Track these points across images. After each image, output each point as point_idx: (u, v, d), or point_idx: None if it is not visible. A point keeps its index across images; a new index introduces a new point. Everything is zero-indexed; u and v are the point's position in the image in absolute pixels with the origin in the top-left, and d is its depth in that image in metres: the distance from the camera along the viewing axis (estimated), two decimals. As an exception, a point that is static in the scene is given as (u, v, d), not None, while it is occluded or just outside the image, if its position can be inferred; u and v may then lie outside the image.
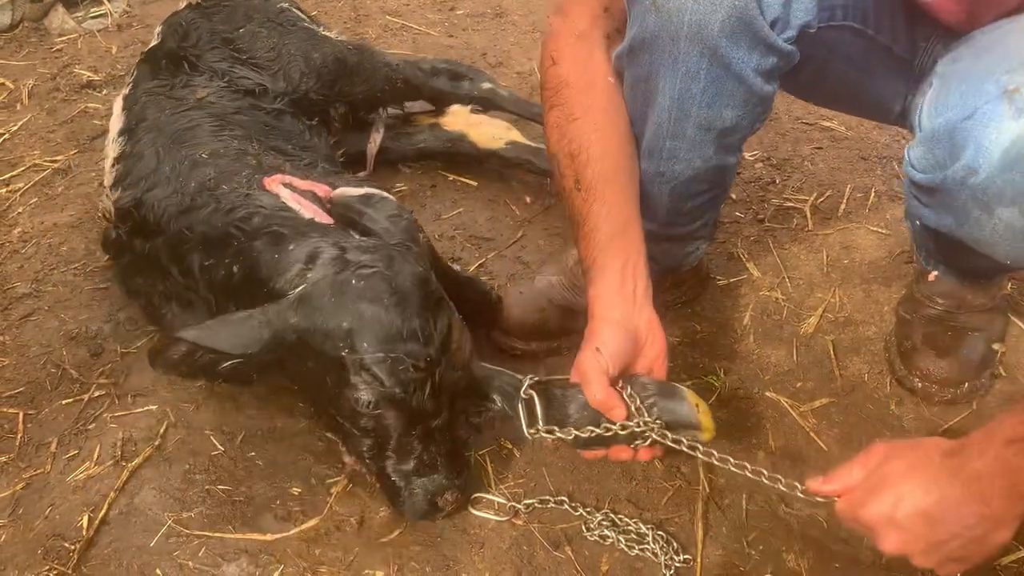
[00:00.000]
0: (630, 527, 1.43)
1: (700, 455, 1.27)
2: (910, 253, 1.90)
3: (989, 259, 1.34)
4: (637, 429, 1.27)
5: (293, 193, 1.59)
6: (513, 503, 1.47)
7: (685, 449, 1.27)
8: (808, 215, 2.12)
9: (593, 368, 1.26)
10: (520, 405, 1.33)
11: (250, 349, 1.29)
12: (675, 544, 1.41)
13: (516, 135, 2.28)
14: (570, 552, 1.40)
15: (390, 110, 2.30)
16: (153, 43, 2.08)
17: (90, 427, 1.63)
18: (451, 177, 2.31)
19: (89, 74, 2.79)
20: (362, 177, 2.23)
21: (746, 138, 1.51)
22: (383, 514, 1.46)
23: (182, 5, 2.18)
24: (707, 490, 1.49)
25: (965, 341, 1.64)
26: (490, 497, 1.48)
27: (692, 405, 1.31)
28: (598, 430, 1.28)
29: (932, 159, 1.24)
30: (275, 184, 1.60)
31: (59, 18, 3.06)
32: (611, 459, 1.35)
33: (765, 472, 1.24)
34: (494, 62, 2.82)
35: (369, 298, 1.30)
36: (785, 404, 1.65)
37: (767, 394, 1.67)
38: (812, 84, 1.57)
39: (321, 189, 1.62)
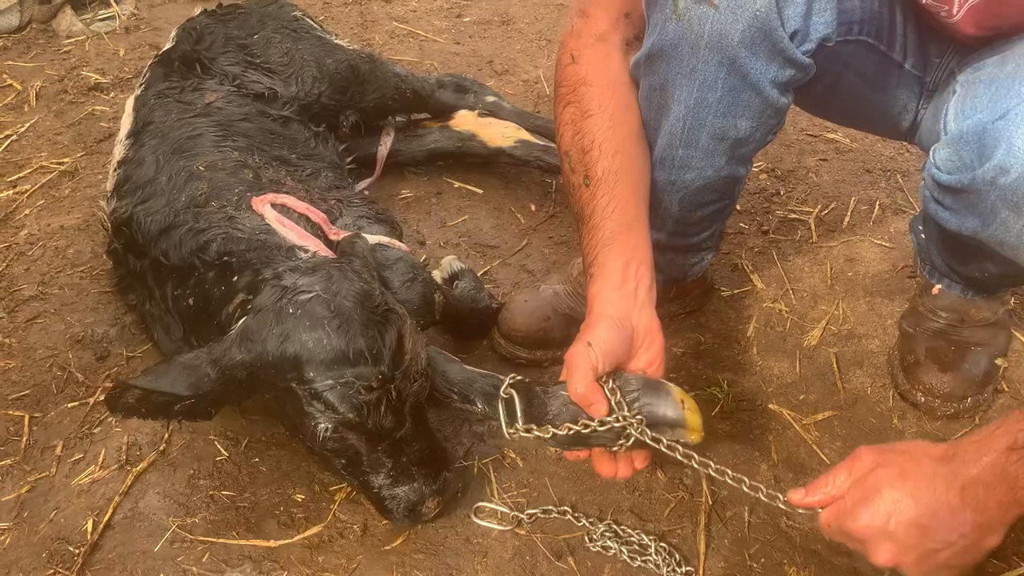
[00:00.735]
0: (633, 538, 1.43)
1: (679, 455, 1.22)
2: (913, 267, 1.91)
3: (997, 268, 1.35)
4: (616, 424, 1.22)
5: (279, 215, 1.59)
6: (516, 513, 1.47)
7: (664, 449, 1.22)
8: (812, 227, 2.12)
9: (581, 362, 1.23)
10: (500, 404, 1.29)
11: (201, 389, 1.28)
12: (677, 556, 1.41)
13: (525, 134, 2.29)
14: (572, 563, 1.41)
15: (398, 118, 2.31)
16: (167, 46, 2.09)
17: (95, 431, 1.64)
18: (456, 184, 2.32)
19: (97, 76, 2.80)
20: (369, 183, 2.24)
21: (758, 150, 1.51)
22: (386, 522, 1.47)
23: (190, 8, 2.20)
24: (709, 502, 1.50)
25: (968, 356, 1.65)
26: (493, 506, 1.49)
27: (678, 402, 1.26)
28: (576, 427, 1.25)
29: (959, 160, 1.24)
30: (262, 204, 1.60)
31: (67, 20, 3.08)
32: (596, 469, 1.32)
33: (746, 480, 1.23)
34: (500, 70, 2.83)
35: (309, 325, 1.27)
36: (788, 416, 1.65)
37: (770, 406, 1.67)
38: (824, 99, 1.57)
39: (317, 216, 1.63)
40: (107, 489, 1.53)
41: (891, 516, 1.05)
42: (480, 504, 1.49)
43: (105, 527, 1.47)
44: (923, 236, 1.61)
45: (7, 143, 2.49)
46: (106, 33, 3.09)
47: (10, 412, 1.68)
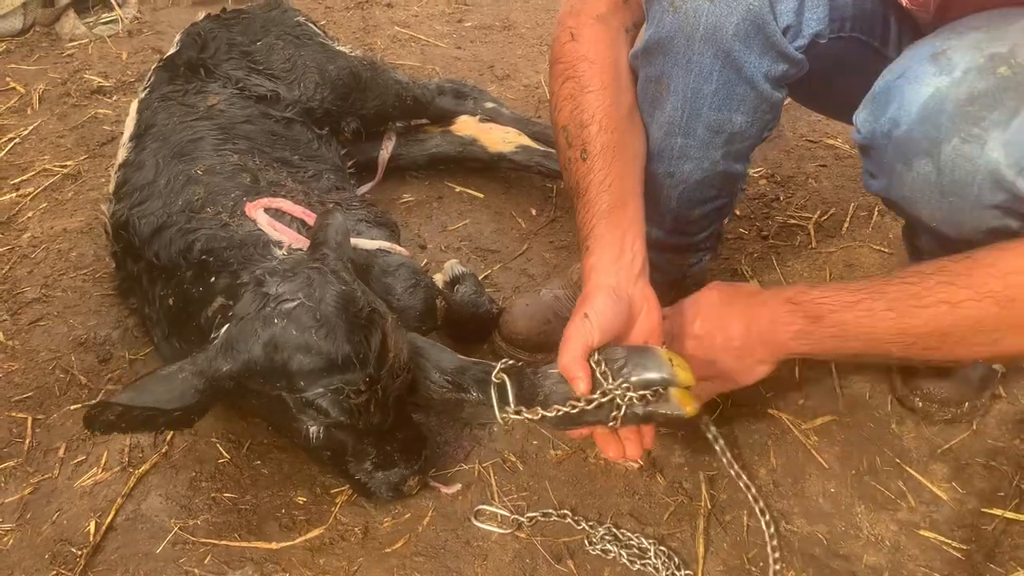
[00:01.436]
0: (632, 541, 1.44)
1: (670, 414, 1.22)
2: (912, 273, 1.92)
3: (930, 243, 1.43)
4: (603, 400, 1.21)
5: (271, 220, 1.59)
6: (516, 516, 1.48)
7: (654, 410, 1.22)
8: (811, 232, 2.14)
9: (575, 335, 1.23)
10: (492, 390, 1.29)
11: (186, 401, 1.27)
12: (677, 559, 1.42)
13: (526, 140, 2.30)
14: (572, 566, 1.42)
15: (399, 123, 2.33)
16: (171, 51, 2.10)
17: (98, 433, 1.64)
18: (458, 189, 2.33)
19: (99, 80, 2.81)
20: (370, 187, 2.25)
21: (754, 146, 1.53)
22: (387, 524, 1.48)
23: (193, 12, 2.21)
24: (709, 506, 1.50)
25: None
26: (493, 509, 1.50)
27: (665, 361, 1.23)
28: (564, 408, 1.23)
29: (870, 118, 1.29)
30: (256, 209, 1.61)
31: (70, 23, 3.09)
32: (603, 453, 1.33)
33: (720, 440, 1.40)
34: (501, 74, 2.84)
35: (296, 335, 1.27)
36: (787, 421, 1.66)
37: (770, 411, 1.68)
38: (820, 94, 1.60)
39: (312, 219, 1.64)
40: (109, 491, 1.54)
41: (690, 319, 1.38)
42: (480, 507, 1.50)
43: (107, 529, 1.48)
44: (914, 242, 1.63)
45: (10, 146, 2.50)
46: (109, 36, 3.10)
47: (13, 414, 1.68)
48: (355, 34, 3.11)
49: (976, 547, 1.45)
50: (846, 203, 2.23)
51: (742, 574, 1.41)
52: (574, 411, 1.23)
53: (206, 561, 1.42)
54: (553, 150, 2.18)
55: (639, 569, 1.41)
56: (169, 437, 1.63)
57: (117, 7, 3.21)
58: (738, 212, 2.20)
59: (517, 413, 1.26)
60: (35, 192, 2.32)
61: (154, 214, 1.63)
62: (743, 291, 1.40)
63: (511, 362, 1.31)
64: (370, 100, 2.15)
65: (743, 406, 1.69)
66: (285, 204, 1.63)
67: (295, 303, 1.29)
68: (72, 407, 1.70)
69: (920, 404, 1.66)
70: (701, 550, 1.43)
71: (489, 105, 2.43)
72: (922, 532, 1.47)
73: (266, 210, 1.60)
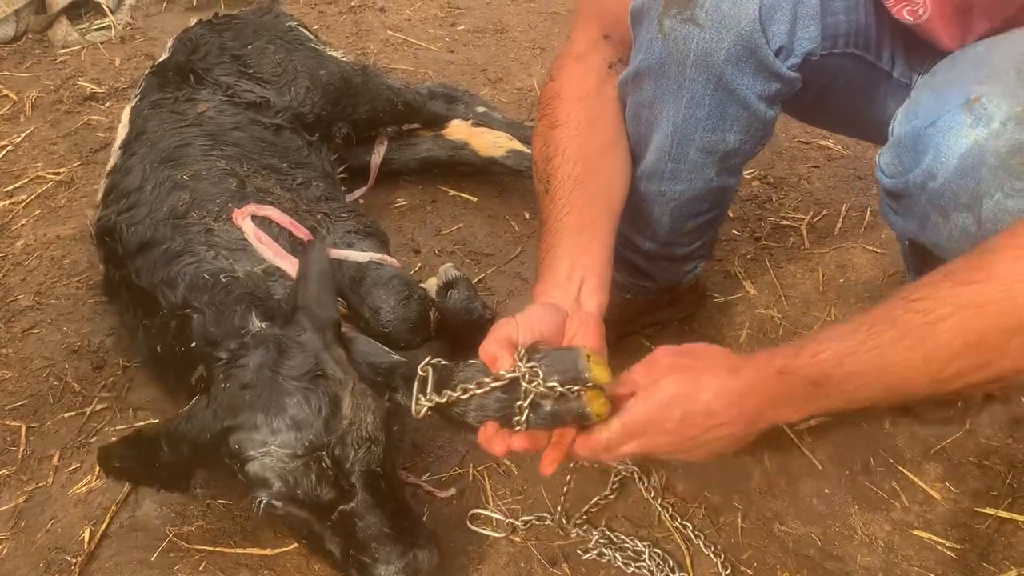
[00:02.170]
0: (627, 544, 1.44)
1: (571, 400, 1.13)
2: (904, 273, 1.92)
3: None
4: (509, 375, 1.14)
5: (257, 229, 1.59)
6: (511, 520, 1.48)
7: (558, 389, 1.12)
8: (804, 234, 2.14)
9: (499, 327, 1.18)
10: (416, 383, 1.23)
11: (157, 461, 1.32)
12: (671, 562, 1.42)
13: (517, 144, 2.30)
14: (567, 569, 1.42)
15: (390, 128, 2.33)
16: (163, 57, 2.11)
17: (92, 440, 1.65)
18: (451, 192, 2.33)
19: (92, 86, 2.81)
20: (363, 192, 2.25)
21: (747, 160, 1.53)
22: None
23: (185, 18, 2.21)
24: (703, 509, 1.51)
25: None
26: (488, 514, 1.50)
27: (582, 355, 1.15)
28: (471, 387, 1.17)
29: (899, 164, 1.27)
30: (242, 217, 1.61)
31: (63, 30, 3.09)
32: (492, 450, 1.20)
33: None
34: (494, 78, 2.84)
35: (235, 399, 1.26)
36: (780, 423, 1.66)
37: (763, 412, 1.68)
38: (814, 108, 1.59)
39: (300, 231, 1.64)
40: (104, 498, 1.54)
41: (672, 406, 1.10)
42: (475, 511, 1.50)
43: (102, 536, 1.48)
44: (907, 243, 1.63)
45: (3, 153, 2.50)
46: (101, 43, 3.10)
47: (7, 422, 1.68)
48: (348, 38, 3.11)
49: (970, 547, 1.45)
50: (838, 204, 2.24)
51: (736, 574, 1.41)
52: (480, 390, 1.17)
53: (201, 568, 1.43)
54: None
55: (634, 572, 1.41)
56: (163, 444, 1.63)
57: (110, 13, 3.21)
58: (731, 214, 2.20)
59: (429, 400, 1.20)
60: (28, 199, 2.31)
61: (141, 222, 1.63)
62: (715, 370, 1.12)
63: (437, 359, 1.25)
64: (361, 105, 2.15)
65: (737, 408, 1.69)
66: (273, 213, 1.63)
67: (243, 369, 1.29)
68: (66, 415, 1.70)
69: (913, 404, 1.66)
70: (688, 560, 1.44)
71: (480, 109, 2.43)
72: (916, 532, 1.48)
73: (253, 218, 1.60)
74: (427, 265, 2.08)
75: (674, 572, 1.40)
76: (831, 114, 1.61)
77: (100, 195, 1.80)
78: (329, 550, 1.30)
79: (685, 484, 1.55)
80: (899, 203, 1.32)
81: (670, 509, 1.50)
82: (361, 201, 2.23)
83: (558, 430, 1.17)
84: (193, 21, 2.21)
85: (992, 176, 1.13)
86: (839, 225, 2.17)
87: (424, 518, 1.42)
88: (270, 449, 1.23)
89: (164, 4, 3.37)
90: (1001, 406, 1.69)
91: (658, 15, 1.30)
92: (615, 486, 1.54)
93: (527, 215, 2.24)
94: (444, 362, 1.24)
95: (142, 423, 1.66)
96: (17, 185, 2.37)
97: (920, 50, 1.47)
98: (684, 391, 1.10)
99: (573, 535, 1.46)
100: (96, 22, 3.21)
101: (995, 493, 1.54)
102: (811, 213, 2.21)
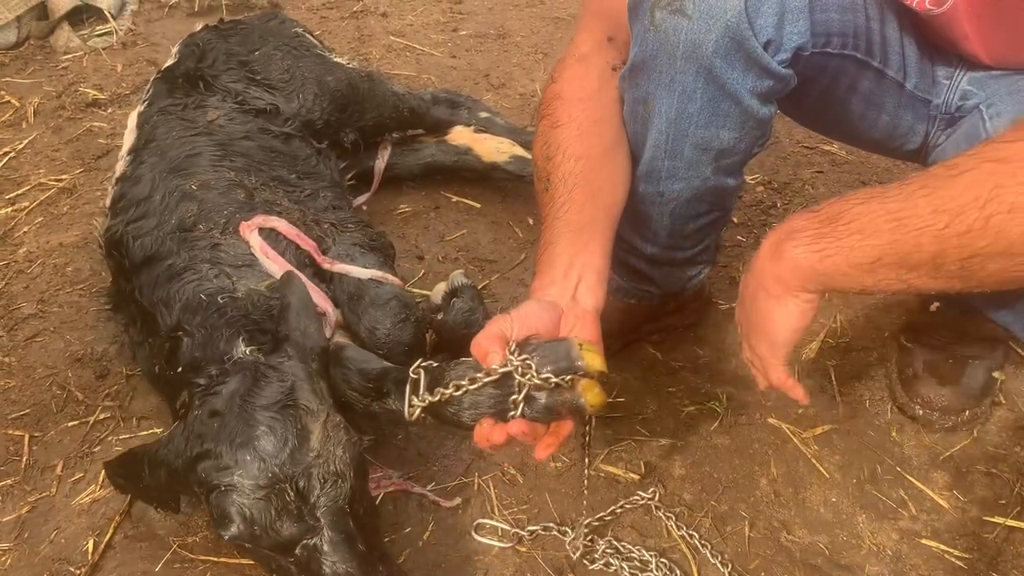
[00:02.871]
0: (634, 554, 1.44)
1: (567, 392, 1.14)
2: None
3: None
4: (501, 369, 1.13)
5: (264, 243, 1.59)
6: (517, 530, 1.48)
7: (552, 380, 1.12)
8: (809, 239, 2.13)
9: (494, 322, 1.18)
10: (408, 385, 1.23)
11: (140, 482, 1.35)
12: (678, 572, 1.41)
13: (519, 150, 2.30)
14: (574, 579, 1.42)
15: (394, 134, 2.33)
16: (169, 62, 2.10)
17: (95, 449, 1.64)
18: (454, 198, 2.33)
19: (94, 92, 2.81)
20: (367, 197, 2.25)
21: (745, 162, 1.52)
22: (387, 540, 1.47)
23: (187, 23, 2.21)
24: (710, 518, 1.50)
25: (966, 369, 1.65)
26: (493, 523, 1.49)
27: (574, 346, 1.15)
28: (464, 383, 1.17)
29: None
30: (249, 230, 1.61)
31: (65, 36, 3.09)
32: (492, 442, 1.18)
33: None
34: (497, 83, 2.84)
35: (204, 428, 1.25)
36: (787, 430, 1.66)
37: (769, 420, 1.68)
38: (817, 113, 1.59)
39: (306, 243, 1.64)
40: (108, 509, 1.53)
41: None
42: (480, 521, 1.50)
43: (106, 547, 1.47)
44: None
45: (5, 160, 2.49)
46: (103, 49, 3.10)
47: (10, 432, 1.68)
48: (350, 44, 3.11)
49: (978, 556, 1.45)
50: (843, 209, 2.23)
51: (744, 586, 1.41)
52: (473, 386, 1.17)
53: (205, 579, 1.42)
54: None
55: (641, 582, 1.40)
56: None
57: (111, 19, 3.21)
58: (736, 219, 2.20)
59: (421, 401, 1.20)
60: (31, 206, 2.31)
61: (148, 234, 1.63)
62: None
63: (430, 361, 1.25)
64: (368, 112, 2.15)
65: (742, 415, 1.69)
66: (281, 224, 1.63)
67: (216, 397, 1.28)
68: (69, 424, 1.69)
69: (920, 412, 1.65)
70: (694, 569, 1.43)
71: (483, 115, 2.43)
72: (924, 541, 1.47)
73: (260, 230, 1.60)
74: (431, 272, 2.07)
75: (681, 582, 1.40)
76: (836, 121, 1.60)
77: (108, 203, 1.80)
78: None
79: (691, 493, 1.54)
80: None
81: (675, 519, 1.50)
82: (365, 207, 2.23)
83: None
84: (195, 26, 2.21)
85: None
86: (844, 231, 2.16)
87: (402, 560, 1.43)
88: (234, 479, 1.20)
89: (166, 10, 3.37)
90: (1009, 413, 1.68)
91: (650, 6, 1.30)
92: (627, 507, 1.53)
93: (530, 221, 2.24)
94: (435, 363, 1.24)
95: (145, 432, 1.66)
96: (19, 192, 2.37)
97: (940, 60, 1.46)
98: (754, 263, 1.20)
99: (576, 548, 1.44)
100: (98, 28, 3.21)
101: (1003, 502, 1.53)
102: (816, 219, 2.20)
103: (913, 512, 1.52)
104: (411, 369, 1.24)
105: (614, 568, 1.42)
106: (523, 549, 1.46)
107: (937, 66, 1.47)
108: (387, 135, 2.31)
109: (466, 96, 2.52)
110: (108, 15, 3.22)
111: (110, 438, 1.66)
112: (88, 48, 3.09)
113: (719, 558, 1.43)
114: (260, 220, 1.62)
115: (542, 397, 1.14)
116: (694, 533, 1.47)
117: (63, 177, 2.42)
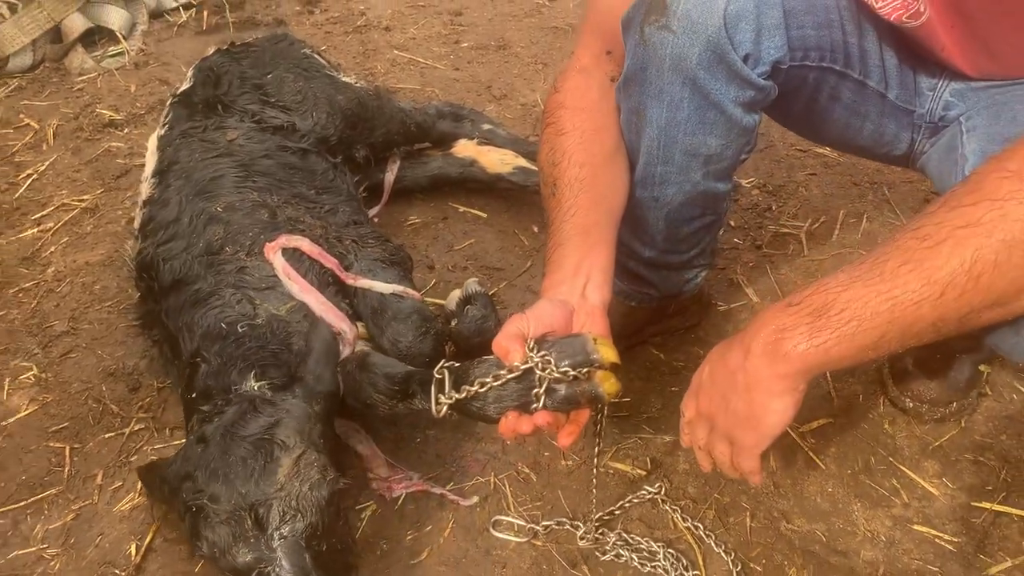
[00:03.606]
0: (642, 546, 1.53)
1: (583, 384, 1.25)
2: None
3: None
4: (523, 366, 1.23)
5: (287, 264, 1.68)
6: (532, 524, 1.57)
7: (570, 373, 1.23)
8: (804, 241, 2.22)
9: (512, 321, 1.27)
10: (433, 385, 1.31)
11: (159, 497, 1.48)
12: (684, 561, 1.50)
13: (522, 161, 2.39)
14: (586, 570, 1.50)
15: (402, 148, 2.42)
16: (185, 86, 2.19)
17: (132, 459, 1.74)
18: (461, 209, 2.42)
19: (110, 113, 2.90)
20: (378, 209, 2.34)
21: (734, 167, 1.60)
22: (410, 538, 1.57)
23: (196, 42, 2.28)
24: (713, 510, 1.59)
25: (954, 363, 1.74)
26: (510, 519, 1.58)
27: (589, 340, 1.26)
28: (488, 380, 1.26)
29: None
30: (273, 252, 1.70)
31: (79, 58, 3.17)
32: (520, 432, 1.30)
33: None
34: (499, 94, 2.93)
35: (189, 452, 1.38)
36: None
37: (768, 416, 1.76)
38: (805, 121, 1.66)
39: (329, 261, 1.72)
40: (147, 514, 1.63)
41: (706, 365, 1.27)
42: (497, 518, 1.59)
43: (147, 550, 1.57)
44: None
45: (29, 182, 2.59)
46: (116, 69, 3.19)
47: (51, 444, 1.78)
48: (355, 59, 3.19)
49: (967, 539, 1.53)
50: (836, 210, 2.32)
51: (746, 572, 1.50)
52: (497, 382, 1.25)
53: (242, 578, 1.51)
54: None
55: (649, 572, 1.49)
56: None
57: (123, 40, 3.29)
58: (732, 223, 2.29)
59: (448, 398, 1.28)
60: (56, 227, 2.40)
61: (177, 257, 1.73)
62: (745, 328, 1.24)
63: (453, 362, 1.35)
64: (378, 128, 2.24)
65: (743, 412, 1.77)
66: (304, 244, 1.71)
67: (210, 428, 1.38)
68: (106, 435, 1.79)
69: (911, 404, 1.74)
70: (700, 559, 1.52)
71: (486, 127, 2.52)
72: (916, 527, 1.56)
73: (284, 250, 1.68)
74: (441, 281, 2.16)
75: (687, 571, 1.49)
76: (823, 129, 1.67)
77: (137, 226, 1.89)
78: None
79: (695, 487, 1.63)
80: None
81: (680, 511, 1.59)
82: (376, 219, 2.32)
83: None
84: (203, 45, 2.28)
85: None
86: (836, 231, 2.25)
87: (424, 555, 1.52)
88: (204, 502, 1.29)
89: (175, 29, 3.46)
90: (995, 403, 1.77)
91: (640, 23, 1.39)
92: (635, 501, 1.61)
93: (535, 229, 2.32)
94: (456, 364, 1.34)
95: (178, 442, 1.75)
96: (44, 213, 2.46)
97: (923, 71, 1.53)
98: (714, 353, 1.26)
99: (589, 540, 1.54)
100: (110, 49, 3.29)
101: (990, 488, 1.62)
102: (809, 220, 2.29)
103: (905, 500, 1.61)
104: (435, 370, 1.33)
105: (624, 559, 1.51)
106: (538, 543, 1.55)
107: (920, 76, 1.54)
108: (395, 149, 2.40)
109: (469, 109, 2.61)
110: (119, 36, 3.31)
111: (145, 448, 1.75)
112: (102, 69, 3.18)
113: (723, 547, 1.52)
114: (283, 240, 1.71)
115: (562, 389, 1.26)
116: (699, 524, 1.56)
117: (85, 197, 2.51)
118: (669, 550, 1.52)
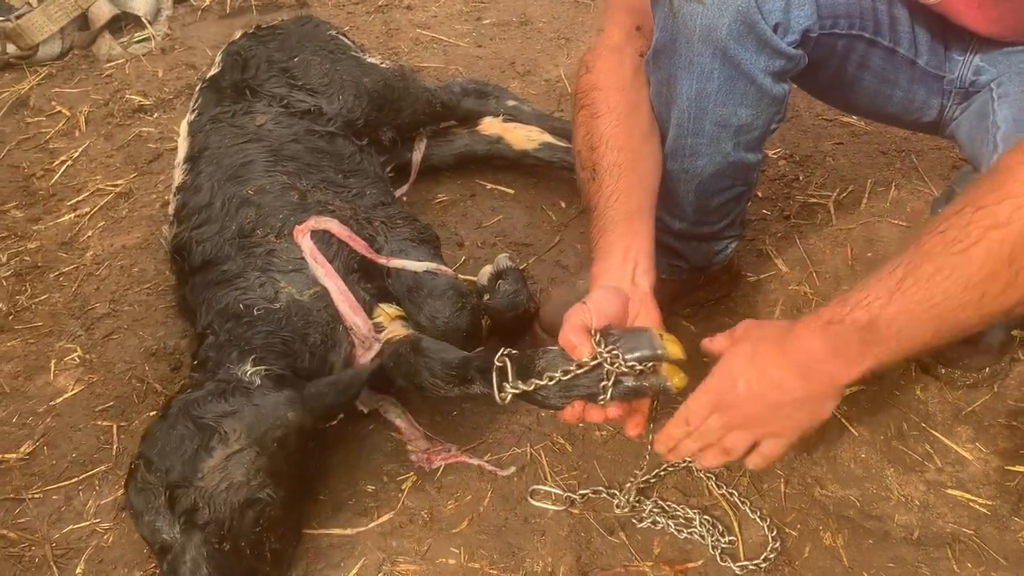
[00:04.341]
0: (678, 512, 1.56)
1: (652, 379, 1.29)
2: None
3: None
4: (593, 362, 1.27)
5: (314, 248, 1.71)
6: (569, 493, 1.60)
7: (638, 368, 1.27)
8: (832, 210, 2.22)
9: (574, 314, 1.31)
10: (494, 373, 1.34)
11: None
12: (720, 527, 1.53)
13: (548, 137, 2.41)
14: (624, 537, 1.54)
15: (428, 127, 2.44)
16: (213, 71, 2.22)
17: (177, 436, 1.78)
18: (489, 186, 2.43)
19: (140, 99, 2.93)
20: (406, 188, 2.36)
21: (764, 137, 1.61)
22: (451, 507, 1.60)
23: (221, 26, 2.29)
24: (748, 477, 1.62)
25: (986, 329, 1.74)
26: (547, 489, 1.62)
27: (656, 337, 1.29)
28: (557, 374, 1.29)
29: None
30: (302, 235, 1.73)
31: (107, 44, 3.21)
32: (587, 418, 1.35)
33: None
34: (523, 71, 2.93)
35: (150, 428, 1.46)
36: (817, 393, 1.76)
37: (799, 384, 1.78)
38: (834, 90, 1.67)
39: (358, 243, 1.75)
40: (194, 488, 1.68)
41: (735, 376, 1.26)
42: (535, 487, 1.62)
43: (196, 523, 1.61)
44: None
45: (64, 168, 2.63)
46: (143, 55, 3.21)
47: (99, 423, 1.83)
48: (378, 38, 3.20)
49: (1001, 502, 1.55)
50: (863, 179, 2.31)
51: (782, 537, 1.52)
52: (566, 377, 1.29)
53: (289, 548, 1.56)
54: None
55: (686, 537, 1.52)
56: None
57: (148, 26, 3.32)
58: (760, 193, 2.29)
59: (514, 388, 1.32)
60: (92, 212, 2.45)
61: (210, 240, 1.77)
62: (770, 336, 1.26)
63: (511, 349, 1.38)
64: (404, 109, 2.26)
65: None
66: (333, 225, 1.74)
67: (177, 402, 1.46)
68: (151, 413, 1.83)
69: (943, 370, 1.75)
70: (735, 525, 1.54)
71: (511, 103, 2.53)
72: (949, 491, 1.58)
73: (312, 232, 1.71)
74: (471, 257, 2.19)
75: (723, 536, 1.51)
76: (852, 97, 1.68)
77: (172, 212, 1.93)
78: None
79: (729, 454, 1.66)
80: None
81: (715, 479, 1.61)
82: (404, 198, 2.34)
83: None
84: (230, 29, 2.30)
85: None
86: (865, 200, 2.24)
87: (465, 524, 1.56)
88: (139, 464, 1.39)
89: (199, 13, 3.48)
90: (1027, 369, 1.78)
91: None
92: (670, 469, 1.64)
93: (563, 204, 2.34)
94: (515, 351, 1.37)
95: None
96: (80, 198, 2.51)
97: (953, 38, 1.53)
98: (744, 363, 1.25)
99: (624, 507, 1.57)
100: (136, 34, 3.32)
101: (1023, 452, 1.63)
102: (837, 190, 2.29)
103: (939, 464, 1.62)
104: (496, 358, 1.36)
105: (661, 525, 1.54)
106: (575, 511, 1.59)
107: (950, 42, 1.54)
108: (422, 128, 2.42)
109: (493, 86, 2.62)
110: (145, 22, 3.33)
111: (189, 425, 1.80)
112: (129, 55, 3.21)
113: (758, 513, 1.55)
114: (313, 223, 1.73)
115: (628, 381, 1.30)
116: (733, 491, 1.59)
117: (119, 182, 2.55)
118: (705, 516, 1.54)
